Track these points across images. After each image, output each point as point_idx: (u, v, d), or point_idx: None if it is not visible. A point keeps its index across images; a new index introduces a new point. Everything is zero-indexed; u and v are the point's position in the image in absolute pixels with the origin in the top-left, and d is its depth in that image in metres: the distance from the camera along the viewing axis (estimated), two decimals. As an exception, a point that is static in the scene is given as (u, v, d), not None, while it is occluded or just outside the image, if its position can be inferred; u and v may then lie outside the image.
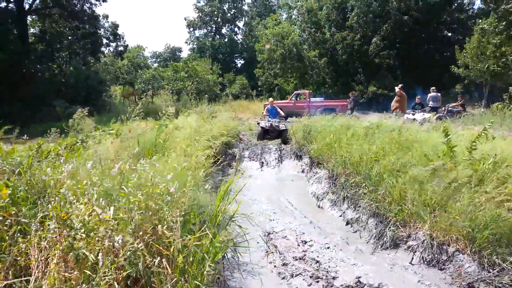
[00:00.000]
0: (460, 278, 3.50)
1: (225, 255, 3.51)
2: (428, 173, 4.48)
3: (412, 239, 4.18)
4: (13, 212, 2.51)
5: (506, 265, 3.39)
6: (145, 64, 31.08)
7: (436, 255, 3.87)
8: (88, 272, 2.14)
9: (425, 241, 3.96)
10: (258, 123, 13.00)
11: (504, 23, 15.81)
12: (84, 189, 2.69)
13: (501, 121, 12.11)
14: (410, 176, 4.55)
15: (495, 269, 3.42)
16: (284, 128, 11.78)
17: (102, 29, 26.21)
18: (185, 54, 46.52)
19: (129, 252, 2.21)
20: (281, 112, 13.07)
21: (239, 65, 46.51)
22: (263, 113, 13.62)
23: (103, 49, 26.87)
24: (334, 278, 3.63)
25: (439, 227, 3.94)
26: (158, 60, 47.73)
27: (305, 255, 4.18)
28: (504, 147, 4.89)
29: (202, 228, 2.66)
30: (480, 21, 17.77)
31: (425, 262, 3.88)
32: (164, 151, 5.13)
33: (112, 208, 2.38)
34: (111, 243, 2.12)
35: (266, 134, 12.19)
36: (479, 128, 10.95)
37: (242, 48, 45.64)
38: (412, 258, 3.98)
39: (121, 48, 29.66)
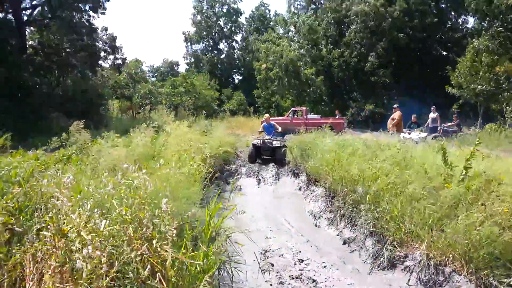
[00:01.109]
0: (458, 300, 3.48)
1: (220, 272, 3.48)
2: (425, 191, 4.50)
3: (409, 259, 4.15)
4: (11, 222, 2.50)
5: (503, 286, 3.38)
6: (143, 78, 31.25)
7: (433, 276, 3.84)
8: (85, 284, 2.11)
9: (422, 261, 3.93)
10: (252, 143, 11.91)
11: (497, 41, 16.13)
12: (78, 200, 2.69)
13: (497, 142, 12.26)
14: (408, 194, 4.57)
15: (493, 291, 3.40)
16: (279, 145, 10.76)
17: (100, 42, 26.31)
18: (182, 68, 47.04)
19: (122, 262, 2.20)
20: (278, 128, 12.04)
21: (236, 80, 46.97)
22: (259, 131, 12.39)
23: (101, 62, 26.94)
24: (331, 298, 3.60)
25: (436, 246, 3.93)
26: (156, 74, 48.06)
27: (301, 274, 4.15)
28: (498, 167, 4.95)
29: (195, 243, 2.65)
30: (473, 40, 18.09)
31: (422, 283, 3.84)
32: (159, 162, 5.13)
33: (104, 221, 2.37)
34: (104, 254, 2.11)
35: (259, 153, 11.08)
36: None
37: (240, 64, 46.12)
38: (409, 279, 3.95)
39: (119, 61, 29.74)
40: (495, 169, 4.77)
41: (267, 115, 13.08)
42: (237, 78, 47.45)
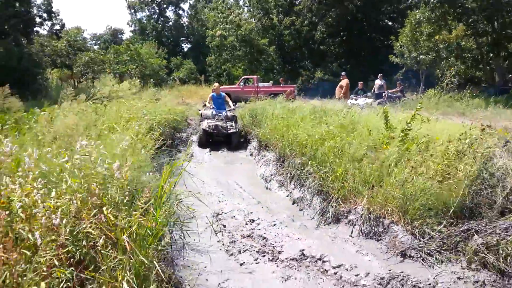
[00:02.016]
0: (395, 247, 3.80)
1: (172, 235, 3.50)
2: (366, 152, 4.78)
3: (352, 214, 4.44)
4: None
5: (434, 233, 3.72)
6: (84, 46, 29.25)
7: (373, 228, 4.16)
8: (28, 253, 2.04)
9: (364, 215, 4.23)
10: (201, 116, 10.08)
11: (436, 13, 16.94)
12: (20, 170, 2.55)
13: (436, 106, 13.15)
14: (351, 155, 4.81)
15: (425, 238, 3.74)
16: (234, 130, 9.37)
17: (34, 7, 24.14)
18: (127, 36, 44.62)
19: (69, 230, 2.14)
20: (230, 102, 10.27)
21: (185, 49, 45.35)
22: (205, 103, 10.52)
23: (37, 28, 24.85)
24: (279, 252, 3.78)
25: (376, 201, 4.23)
26: (99, 42, 45.23)
27: (252, 233, 4.29)
28: (436, 128, 5.34)
29: (145, 207, 2.63)
30: (415, 11, 18.87)
31: (364, 235, 4.15)
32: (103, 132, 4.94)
33: (53, 192, 2.28)
34: (50, 222, 2.04)
35: (210, 137, 9.64)
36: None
37: (188, 32, 44.43)
38: (352, 231, 4.23)
39: (57, 27, 27.61)
40: (432, 131, 5.15)
41: (216, 84, 10.79)
42: (185, 46, 45.84)
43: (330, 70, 28.72)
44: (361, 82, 15.03)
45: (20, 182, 2.40)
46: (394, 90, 15.98)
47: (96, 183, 2.63)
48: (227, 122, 9.43)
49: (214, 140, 9.63)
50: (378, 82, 15.43)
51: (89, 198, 2.55)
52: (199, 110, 10.59)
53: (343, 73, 14.46)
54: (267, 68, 29.37)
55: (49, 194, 2.32)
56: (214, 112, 9.63)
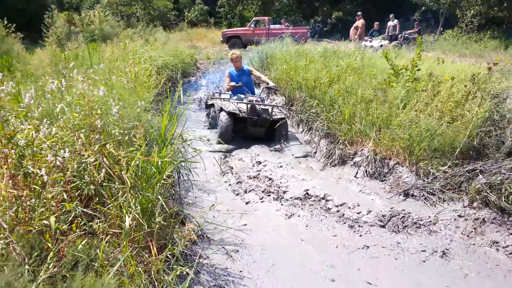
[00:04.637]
0: (398, 187, 3.85)
1: (180, 175, 3.61)
2: (374, 93, 4.69)
3: (358, 156, 4.46)
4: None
5: (439, 174, 3.75)
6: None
7: (378, 169, 4.20)
8: (38, 188, 2.14)
9: (369, 157, 4.25)
10: (208, 106, 6.77)
11: None
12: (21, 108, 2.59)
13: (454, 48, 12.60)
14: (359, 96, 4.74)
15: (429, 178, 3.78)
16: (282, 115, 5.72)
17: None
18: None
19: (76, 166, 2.22)
20: (263, 77, 6.53)
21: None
22: (227, 86, 6.27)
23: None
24: (284, 192, 3.87)
25: (383, 143, 4.22)
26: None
27: (259, 174, 4.38)
28: (449, 70, 5.17)
29: (151, 147, 2.68)
30: None
31: (368, 175, 4.20)
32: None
33: (54, 128, 2.32)
34: (55, 158, 2.11)
35: (244, 125, 5.70)
36: (432, 54, 11.37)
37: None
38: (357, 173, 4.28)
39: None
40: (445, 72, 4.99)
41: (236, 52, 6.54)
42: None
43: (347, 10, 27.35)
44: (377, 23, 14.37)
45: (22, 121, 2.45)
46: (411, 31, 15.28)
47: (96, 117, 2.65)
48: (271, 108, 5.70)
49: (246, 133, 5.76)
50: (390, 23, 14.76)
51: (91, 134, 2.60)
52: (207, 101, 6.96)
53: (358, 13, 13.74)
54: (281, 10, 28.15)
55: (51, 131, 2.37)
56: (241, 95, 6.06)
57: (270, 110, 5.68)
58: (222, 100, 6.14)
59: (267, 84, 6.35)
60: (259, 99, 6.03)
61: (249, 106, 5.52)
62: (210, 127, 6.40)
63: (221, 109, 5.72)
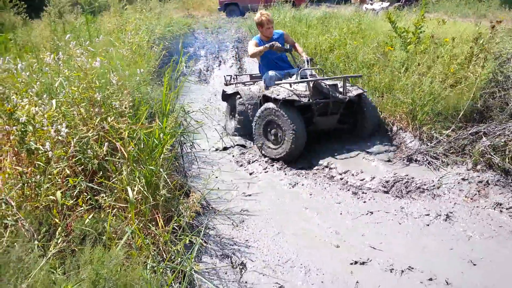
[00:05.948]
0: (401, 152, 3.85)
1: (182, 147, 3.61)
2: (375, 57, 4.60)
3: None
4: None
5: (442, 137, 3.73)
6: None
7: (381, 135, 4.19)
8: (42, 164, 2.14)
9: (372, 123, 4.21)
10: (228, 97, 4.78)
11: None
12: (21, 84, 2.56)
13: (457, 8, 12.23)
14: (360, 61, 4.65)
15: (432, 142, 3.76)
16: (362, 91, 4.00)
17: None
18: None
19: (79, 143, 2.21)
20: (301, 50, 4.54)
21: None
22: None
23: None
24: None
25: (386, 108, 4.17)
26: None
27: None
28: (450, 31, 5.02)
29: (152, 119, 2.66)
30: None
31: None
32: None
33: (54, 101, 2.29)
34: (57, 133, 2.09)
35: (306, 117, 3.85)
36: (435, 15, 11.06)
37: None
38: (360, 138, 4.26)
39: None
40: (447, 33, 4.85)
41: (265, 13, 4.34)
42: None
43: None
44: (378, -16, 13.87)
45: (21, 97, 2.43)
46: (413, -8, 14.77)
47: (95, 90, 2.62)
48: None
49: (311, 129, 3.96)
50: None
51: (91, 108, 2.58)
52: (224, 91, 4.84)
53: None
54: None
55: (52, 106, 2.34)
56: (278, 75, 4.29)
57: (340, 85, 3.91)
58: (253, 83, 4.64)
59: (301, 55, 4.55)
60: (314, 73, 4.32)
61: (311, 85, 3.76)
62: (241, 132, 4.50)
63: (266, 98, 3.99)
